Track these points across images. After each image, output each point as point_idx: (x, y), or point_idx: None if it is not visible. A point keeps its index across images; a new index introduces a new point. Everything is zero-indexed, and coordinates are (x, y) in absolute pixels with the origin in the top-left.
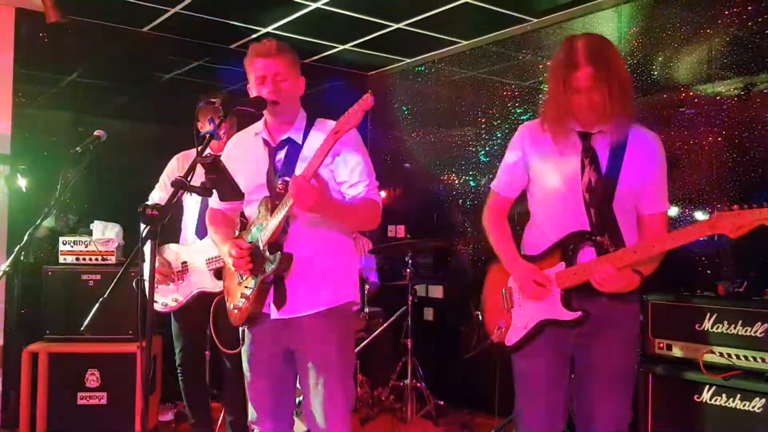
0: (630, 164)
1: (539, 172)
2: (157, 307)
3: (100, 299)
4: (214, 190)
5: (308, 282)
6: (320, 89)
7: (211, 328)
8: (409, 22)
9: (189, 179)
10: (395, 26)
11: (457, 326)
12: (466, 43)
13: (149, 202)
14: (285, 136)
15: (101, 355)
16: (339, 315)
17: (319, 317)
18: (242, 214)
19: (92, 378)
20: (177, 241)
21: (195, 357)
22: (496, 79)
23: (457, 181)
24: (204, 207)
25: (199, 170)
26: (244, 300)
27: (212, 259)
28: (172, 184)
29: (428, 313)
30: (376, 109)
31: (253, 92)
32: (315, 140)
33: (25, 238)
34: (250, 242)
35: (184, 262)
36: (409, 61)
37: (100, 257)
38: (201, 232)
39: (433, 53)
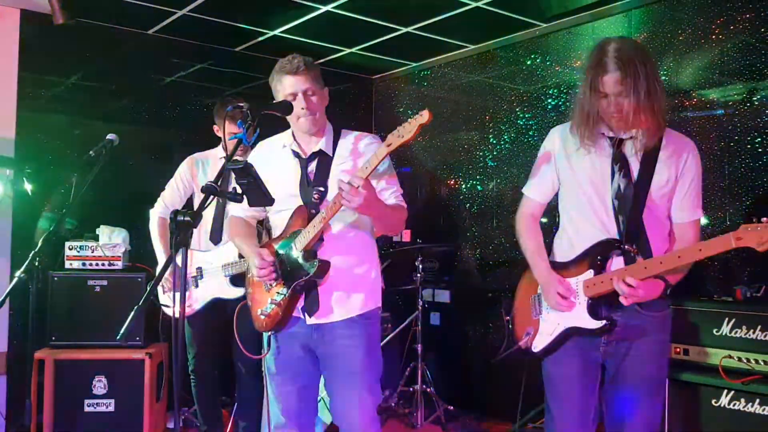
0: (662, 171)
1: (568, 176)
2: (170, 312)
3: (135, 307)
4: (245, 196)
5: (340, 289)
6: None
7: (236, 336)
8: (419, 26)
9: (219, 184)
10: (404, 30)
11: (464, 331)
12: (473, 47)
13: (174, 209)
14: (316, 148)
15: (108, 361)
16: (368, 321)
17: (349, 323)
18: (259, 222)
19: (99, 385)
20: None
21: (208, 363)
22: (503, 83)
23: (463, 186)
24: (218, 212)
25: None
26: (274, 306)
27: (228, 264)
28: (203, 190)
29: (435, 318)
30: (382, 112)
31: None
32: (344, 151)
33: (39, 243)
34: (280, 250)
35: (199, 268)
36: (415, 65)
37: (107, 262)
38: (216, 238)
39: (439, 57)
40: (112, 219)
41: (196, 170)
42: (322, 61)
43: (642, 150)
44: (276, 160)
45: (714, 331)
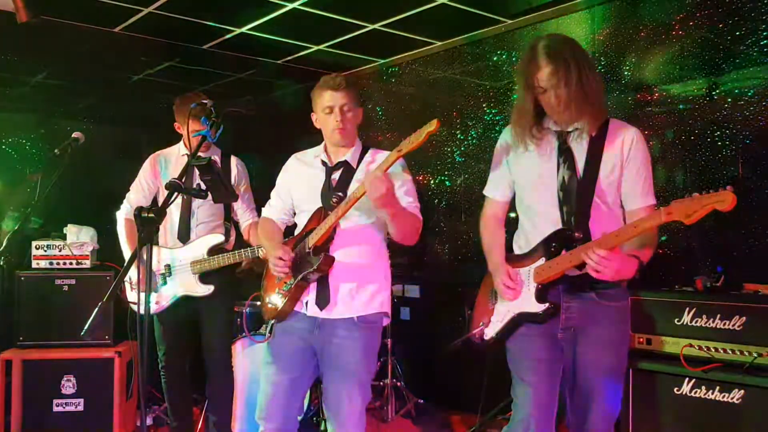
0: (608, 160)
1: (519, 173)
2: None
3: (99, 304)
4: (209, 192)
5: (348, 286)
6: (293, 90)
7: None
8: (385, 23)
9: (183, 181)
10: (370, 27)
11: (434, 325)
12: (440, 43)
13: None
14: (342, 159)
15: (77, 361)
16: (369, 324)
17: (351, 323)
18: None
19: (68, 384)
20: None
21: (178, 359)
22: (470, 79)
23: (432, 181)
24: (185, 210)
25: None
26: (280, 296)
27: (197, 261)
28: (167, 187)
29: (405, 313)
30: None
31: (317, 119)
32: (367, 165)
33: (4, 243)
34: (295, 247)
35: (167, 265)
36: (382, 61)
37: (74, 261)
38: (184, 235)
39: (406, 54)
40: (79, 217)
41: (159, 168)
42: (289, 58)
43: (587, 140)
44: (306, 169)
45: (675, 320)
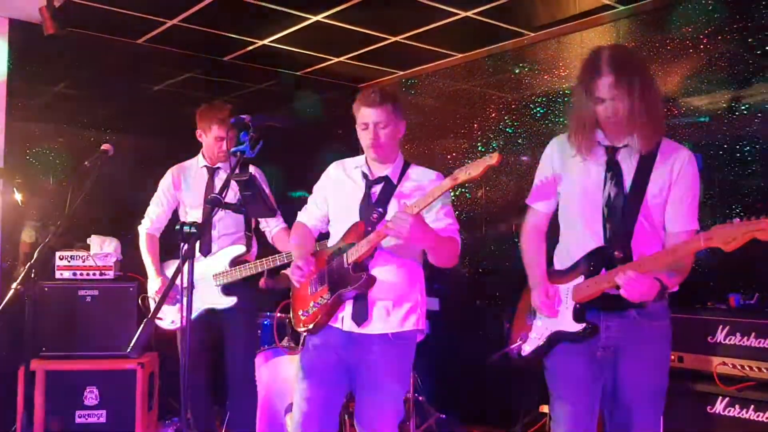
0: (656, 179)
1: (565, 185)
2: (164, 324)
3: (145, 320)
4: (247, 207)
5: (385, 303)
6: (311, 101)
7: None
8: (407, 35)
9: (223, 196)
10: (392, 39)
11: (454, 339)
12: (461, 56)
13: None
14: (383, 174)
15: (100, 372)
16: (404, 340)
17: (386, 339)
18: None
19: (91, 395)
20: (173, 257)
21: (201, 372)
22: (491, 92)
23: (453, 193)
24: (207, 222)
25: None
26: (316, 309)
27: (219, 274)
28: (207, 202)
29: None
30: None
31: (358, 133)
32: (408, 182)
33: (35, 255)
34: (332, 259)
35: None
36: (401, 73)
37: (98, 272)
38: (206, 248)
39: (426, 66)
40: (102, 228)
41: (178, 181)
42: (308, 70)
43: (637, 158)
44: (346, 179)
45: (708, 338)
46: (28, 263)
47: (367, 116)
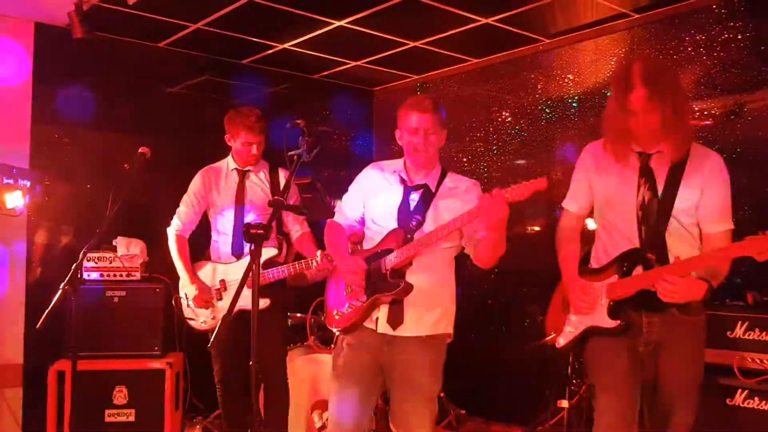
0: (687, 183)
1: (600, 190)
2: (196, 325)
3: (222, 317)
4: (308, 209)
5: (419, 308)
6: (325, 104)
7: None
8: (427, 40)
9: (286, 198)
10: (412, 44)
11: (470, 336)
12: (476, 60)
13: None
14: (422, 182)
15: (128, 371)
16: (437, 342)
17: (420, 341)
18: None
19: (120, 395)
20: (202, 257)
21: (235, 372)
22: (506, 96)
23: None
24: (237, 225)
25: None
26: (351, 309)
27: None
28: (270, 204)
29: None
30: (382, 123)
31: (400, 136)
32: (446, 190)
33: (80, 256)
34: (370, 262)
35: (222, 281)
36: (416, 77)
37: (125, 273)
38: (237, 250)
39: (442, 70)
40: (126, 230)
41: (209, 184)
42: (324, 73)
43: (668, 164)
44: (384, 182)
45: (728, 333)
46: (74, 264)
47: (417, 121)
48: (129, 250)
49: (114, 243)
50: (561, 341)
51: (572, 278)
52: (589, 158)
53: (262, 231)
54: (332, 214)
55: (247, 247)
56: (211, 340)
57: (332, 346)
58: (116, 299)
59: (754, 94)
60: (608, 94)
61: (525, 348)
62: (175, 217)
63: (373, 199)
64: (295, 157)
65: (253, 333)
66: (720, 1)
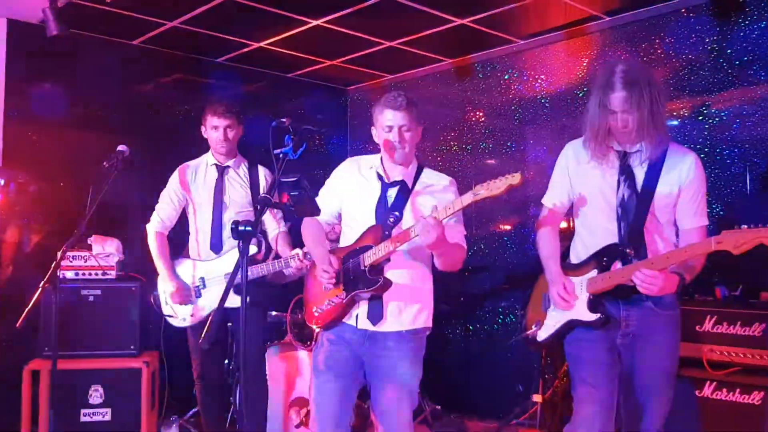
0: (665, 181)
1: (580, 187)
2: (175, 322)
3: (211, 315)
4: (295, 207)
5: (398, 303)
6: (300, 103)
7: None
8: (402, 40)
9: (272, 195)
10: (387, 44)
11: (446, 333)
12: (450, 61)
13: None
14: (399, 178)
15: (104, 370)
16: (417, 337)
17: (399, 335)
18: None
19: (96, 394)
20: (180, 254)
21: (213, 370)
22: (480, 97)
23: None
24: (216, 222)
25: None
26: (330, 306)
27: (231, 273)
28: (257, 202)
29: None
30: (357, 122)
31: (377, 134)
32: (422, 186)
33: (60, 254)
34: (348, 259)
35: (202, 278)
36: (390, 77)
37: (100, 272)
38: (216, 246)
39: (416, 70)
40: (101, 228)
41: (188, 180)
42: (299, 72)
43: (647, 162)
44: (361, 178)
45: (697, 327)
46: (54, 263)
47: (392, 119)
48: (104, 248)
49: (89, 242)
50: (542, 335)
51: (555, 273)
52: (569, 155)
53: (251, 228)
54: (319, 212)
55: (226, 244)
56: (203, 336)
57: (309, 343)
58: (91, 298)
59: (720, 95)
60: (581, 95)
61: (507, 342)
62: (154, 214)
63: (350, 195)
64: (281, 155)
65: (242, 331)
66: (688, 6)
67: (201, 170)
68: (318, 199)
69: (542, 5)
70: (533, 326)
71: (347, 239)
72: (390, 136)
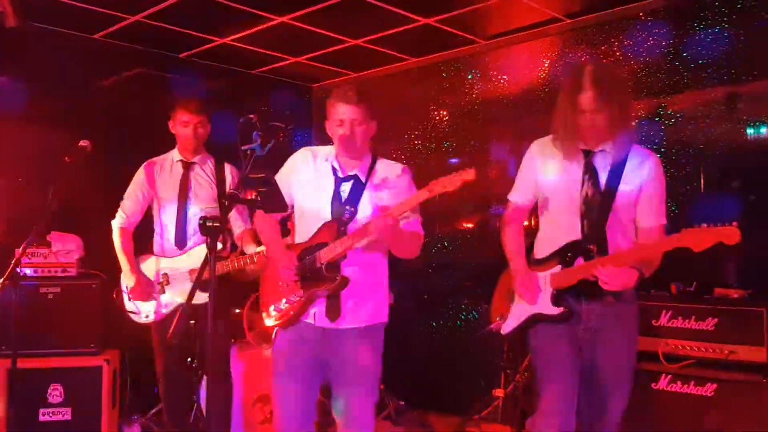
0: (627, 180)
1: (546, 184)
2: (138, 319)
3: (181, 308)
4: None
5: (355, 299)
6: (264, 99)
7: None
8: (367, 39)
9: (240, 192)
10: (353, 42)
11: (409, 330)
12: (415, 60)
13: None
14: (352, 172)
15: (64, 369)
16: (374, 332)
17: (358, 331)
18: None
19: (55, 393)
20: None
21: (177, 366)
22: (444, 96)
23: None
24: (181, 218)
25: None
26: (288, 305)
27: (195, 270)
28: (226, 197)
29: None
30: (321, 120)
31: (330, 129)
32: (376, 180)
33: (20, 250)
34: (304, 257)
35: (165, 274)
36: (354, 75)
37: (60, 269)
38: (181, 242)
39: (380, 68)
40: (60, 225)
41: (154, 176)
42: (264, 69)
43: (611, 162)
44: (315, 171)
45: (653, 321)
46: (14, 260)
47: (344, 113)
48: (64, 245)
49: (48, 238)
50: (506, 328)
51: (520, 268)
52: (535, 153)
53: (218, 224)
54: (286, 208)
55: (191, 240)
56: (171, 331)
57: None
58: (51, 296)
59: (676, 97)
60: (542, 95)
61: (471, 337)
62: (119, 210)
63: (303, 188)
64: (249, 151)
65: (211, 327)
66: (646, 10)
67: (167, 166)
68: None
69: (505, 7)
70: (497, 318)
71: (301, 234)
72: (341, 130)
